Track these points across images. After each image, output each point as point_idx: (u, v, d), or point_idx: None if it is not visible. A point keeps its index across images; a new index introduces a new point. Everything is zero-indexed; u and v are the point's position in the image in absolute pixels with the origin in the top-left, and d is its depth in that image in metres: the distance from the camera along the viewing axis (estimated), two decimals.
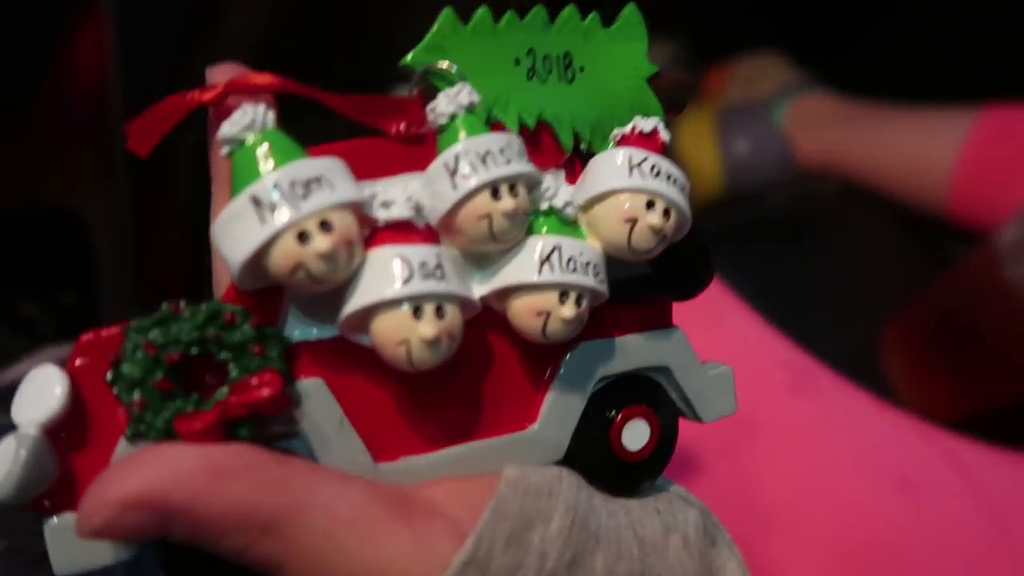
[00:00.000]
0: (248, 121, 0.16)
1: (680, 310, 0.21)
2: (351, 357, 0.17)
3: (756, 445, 0.41)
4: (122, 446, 0.16)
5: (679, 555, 0.19)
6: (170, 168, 0.47)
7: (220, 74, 0.18)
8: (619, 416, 0.20)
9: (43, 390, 0.16)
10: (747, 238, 0.75)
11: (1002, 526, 0.41)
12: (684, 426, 0.22)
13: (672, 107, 0.21)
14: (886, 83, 0.84)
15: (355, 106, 0.18)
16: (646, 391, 0.21)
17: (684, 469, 0.37)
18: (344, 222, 0.16)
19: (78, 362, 0.16)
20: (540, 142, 0.19)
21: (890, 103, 0.81)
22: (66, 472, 0.16)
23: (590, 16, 0.20)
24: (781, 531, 0.37)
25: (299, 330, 0.17)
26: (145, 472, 0.15)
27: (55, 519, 0.16)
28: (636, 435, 0.20)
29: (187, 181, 0.47)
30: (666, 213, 0.18)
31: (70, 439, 0.16)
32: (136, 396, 0.16)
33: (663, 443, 0.21)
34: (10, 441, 0.16)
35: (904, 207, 0.76)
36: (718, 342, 0.45)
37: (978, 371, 0.55)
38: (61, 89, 0.45)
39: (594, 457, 0.20)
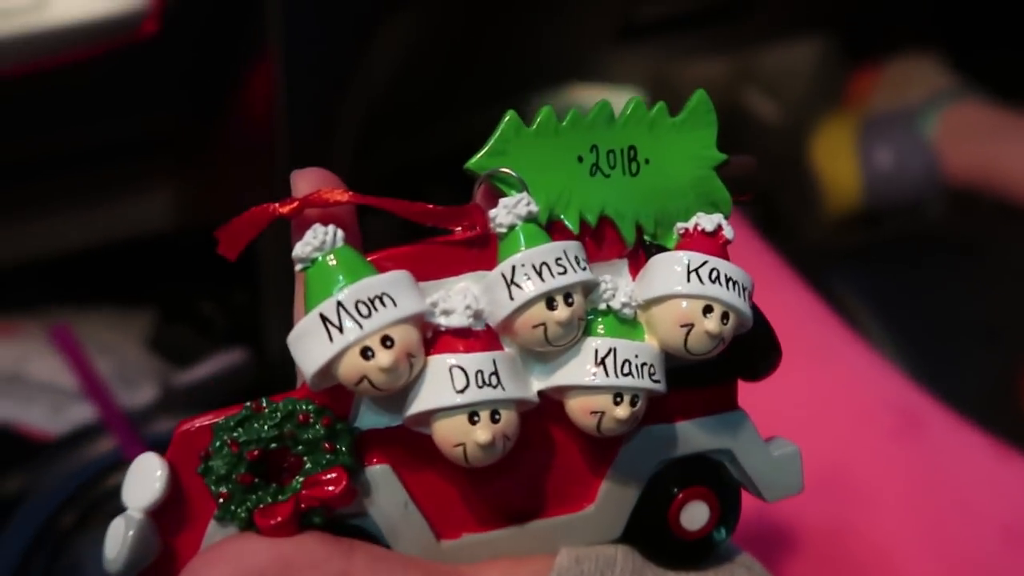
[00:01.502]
0: (319, 243, 0.18)
1: (788, 345, 0.22)
2: (415, 444, 0.19)
3: (852, 490, 0.42)
4: (212, 527, 0.19)
5: None
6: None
7: (302, 180, 0.20)
8: (679, 496, 0.21)
9: (147, 476, 0.18)
10: (888, 257, 0.73)
11: None
12: None
13: (739, 194, 0.21)
14: None
15: (422, 214, 0.19)
16: (707, 472, 0.21)
17: (768, 518, 0.38)
18: (405, 336, 0.18)
19: (175, 453, 0.19)
20: (603, 236, 0.20)
21: None
22: (166, 549, 0.19)
23: (657, 106, 0.21)
24: None
25: (368, 419, 0.19)
26: (223, 567, 0.18)
27: None
28: (695, 516, 0.21)
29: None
30: (724, 317, 0.19)
31: (169, 520, 0.19)
32: (223, 489, 0.18)
33: (726, 517, 0.21)
34: (120, 523, 0.18)
35: None
36: (824, 379, 0.45)
37: None
38: (236, 124, 0.51)
39: (652, 537, 0.21)
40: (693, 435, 0.21)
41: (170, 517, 0.19)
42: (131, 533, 0.18)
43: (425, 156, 0.91)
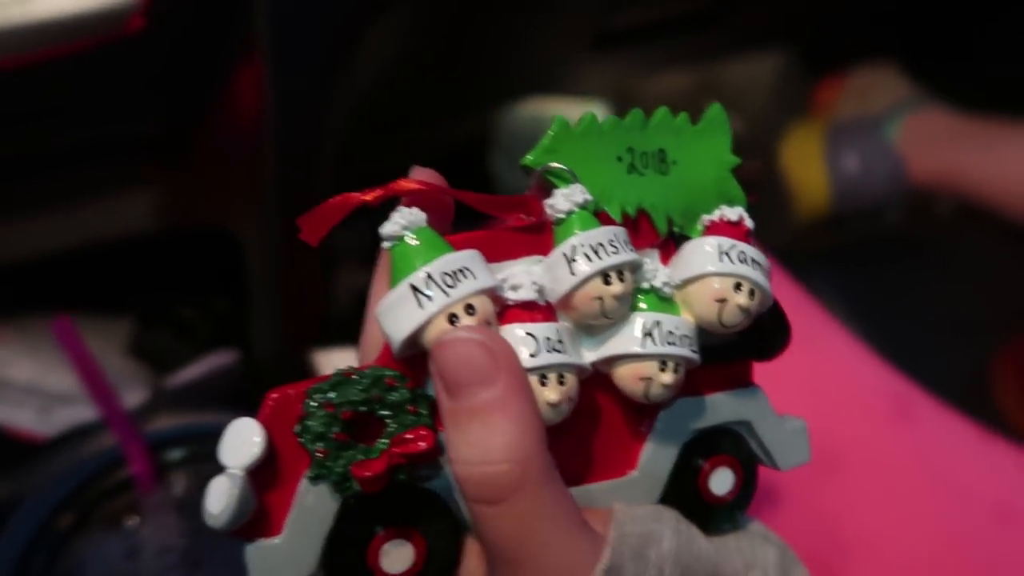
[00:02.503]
0: (405, 222, 0.20)
1: None
2: None
3: (848, 474, 0.43)
4: (304, 486, 0.20)
5: None
6: (311, 197, 0.52)
7: (418, 174, 0.22)
8: (707, 464, 0.23)
9: (244, 438, 0.20)
10: (856, 259, 0.75)
11: None
12: None
13: (752, 193, 0.24)
14: (1007, 99, 0.81)
15: (487, 203, 0.22)
16: (731, 441, 0.24)
17: (774, 497, 0.39)
18: (484, 305, 0.20)
19: (267, 417, 0.20)
20: (639, 227, 0.23)
21: (1011, 120, 0.78)
22: (260, 506, 0.20)
23: (680, 115, 0.23)
24: (868, 562, 0.39)
25: None
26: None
27: (254, 544, 0.20)
28: (722, 481, 0.23)
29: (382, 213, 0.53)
30: (751, 293, 0.22)
31: (261, 480, 0.20)
32: (320, 446, 0.20)
33: (746, 488, 0.24)
34: (223, 480, 0.19)
35: (1021, 230, 0.73)
36: (819, 369, 0.46)
37: None
38: (220, 124, 0.51)
39: (685, 500, 0.23)
40: (719, 406, 0.23)
41: (263, 477, 0.20)
42: (235, 490, 0.19)
43: (399, 158, 0.91)
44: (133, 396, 0.46)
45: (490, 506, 0.19)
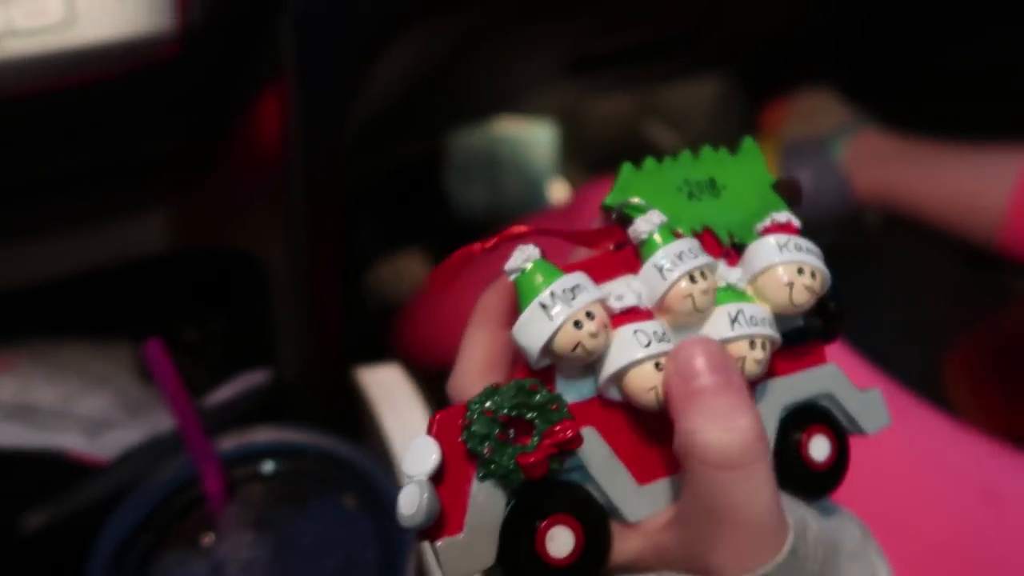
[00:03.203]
0: (525, 256, 0.24)
1: None
2: (605, 411, 0.25)
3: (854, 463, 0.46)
4: (475, 487, 0.23)
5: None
6: (334, 219, 0.53)
7: (515, 228, 0.25)
8: (804, 435, 0.26)
9: (425, 451, 0.23)
10: None
11: None
12: None
13: (791, 203, 0.29)
14: (942, 121, 0.87)
15: (578, 237, 0.26)
16: (820, 413, 0.27)
17: None
18: (600, 311, 0.23)
19: (437, 432, 0.23)
20: (705, 241, 0.26)
21: (945, 141, 0.85)
22: (444, 509, 0.23)
23: (720, 150, 0.28)
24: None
25: (566, 396, 0.24)
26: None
27: (442, 542, 0.23)
28: (820, 448, 0.26)
29: (347, 230, 0.54)
30: (813, 275, 0.25)
31: (443, 486, 0.23)
32: (487, 446, 0.23)
33: (841, 453, 0.27)
34: (413, 488, 0.22)
35: (955, 241, 0.80)
36: None
37: None
38: (244, 148, 0.51)
39: (793, 472, 0.26)
40: (804, 383, 0.27)
41: (441, 481, 0.23)
42: (425, 492, 0.22)
43: (379, 172, 0.91)
44: (159, 421, 0.46)
45: (730, 471, 0.22)
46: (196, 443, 0.37)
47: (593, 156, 1.14)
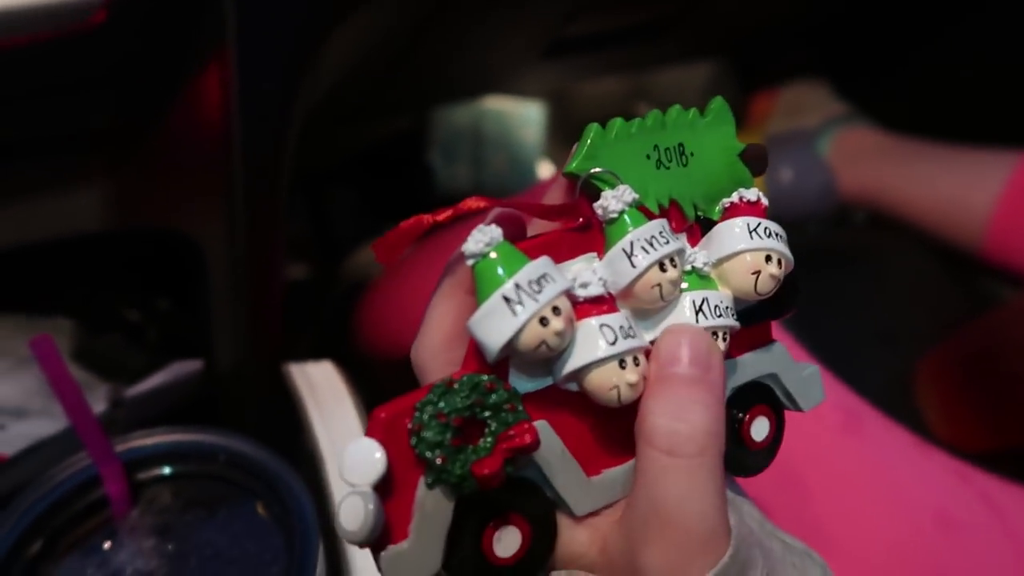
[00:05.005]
0: (487, 239, 0.22)
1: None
2: (558, 401, 0.23)
3: (808, 480, 0.44)
4: (421, 491, 0.22)
5: None
6: (276, 203, 0.51)
7: (471, 201, 0.23)
8: (747, 416, 0.26)
9: (366, 457, 0.21)
10: None
11: None
12: None
13: (756, 173, 0.27)
14: (930, 120, 0.85)
15: (541, 210, 0.24)
16: (762, 393, 0.27)
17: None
18: (566, 305, 0.22)
19: (379, 434, 0.21)
20: (670, 215, 0.25)
21: (933, 140, 0.83)
22: (386, 516, 0.21)
23: (691, 110, 0.26)
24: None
25: (520, 385, 0.23)
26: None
27: (386, 552, 0.22)
28: (760, 428, 0.26)
29: (288, 212, 0.51)
30: (779, 263, 0.25)
31: (385, 491, 0.21)
32: (438, 453, 0.21)
33: (778, 432, 0.27)
34: (356, 499, 0.21)
35: (939, 244, 0.78)
36: None
37: (1011, 411, 0.58)
38: (183, 126, 0.49)
39: (732, 449, 0.25)
40: (751, 364, 0.26)
41: (385, 488, 0.21)
42: (370, 506, 0.20)
43: (355, 150, 0.89)
44: (94, 406, 0.43)
45: (672, 457, 0.21)
46: (94, 444, 0.34)
47: None
